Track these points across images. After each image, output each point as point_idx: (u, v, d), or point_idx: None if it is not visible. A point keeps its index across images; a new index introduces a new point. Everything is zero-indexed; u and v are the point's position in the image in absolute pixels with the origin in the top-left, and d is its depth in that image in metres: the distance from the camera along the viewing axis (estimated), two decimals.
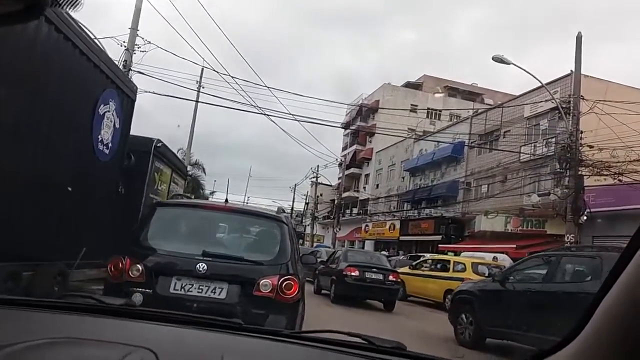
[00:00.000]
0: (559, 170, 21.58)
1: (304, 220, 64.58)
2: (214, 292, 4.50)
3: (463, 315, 9.47)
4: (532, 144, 27.34)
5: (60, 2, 0.95)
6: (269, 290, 4.50)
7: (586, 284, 7.41)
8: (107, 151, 7.98)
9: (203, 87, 28.62)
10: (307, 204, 61.28)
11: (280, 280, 4.54)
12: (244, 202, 64.81)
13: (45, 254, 6.25)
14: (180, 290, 4.47)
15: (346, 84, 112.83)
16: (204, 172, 43.69)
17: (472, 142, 32.94)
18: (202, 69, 25.86)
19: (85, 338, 1.28)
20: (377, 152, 48.97)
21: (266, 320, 4.35)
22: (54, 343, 1.19)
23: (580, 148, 17.62)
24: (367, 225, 44.94)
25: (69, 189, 6.81)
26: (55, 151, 6.48)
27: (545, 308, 7.64)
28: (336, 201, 46.77)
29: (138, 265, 4.46)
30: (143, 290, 4.37)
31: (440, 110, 51.80)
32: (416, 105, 52.17)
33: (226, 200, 5.56)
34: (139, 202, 9.86)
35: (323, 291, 15.89)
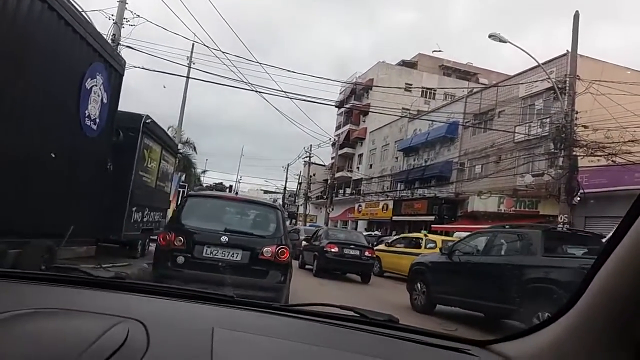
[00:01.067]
0: (553, 150, 21.55)
1: (296, 200, 64.59)
2: (233, 256, 6.35)
3: (417, 285, 10.39)
4: (527, 124, 27.19)
5: None
6: (269, 255, 6.39)
7: (514, 257, 8.44)
8: (94, 127, 7.74)
9: (194, 64, 27.95)
10: (300, 183, 61.20)
11: (277, 248, 6.44)
12: (236, 180, 64.54)
13: (32, 231, 6.10)
14: (210, 254, 6.31)
15: (341, 63, 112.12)
16: (195, 151, 43.47)
17: (466, 122, 32.79)
18: (193, 45, 25.38)
19: (72, 309, 1.23)
20: (371, 132, 48.73)
21: (267, 275, 6.37)
22: (38, 313, 1.15)
23: (575, 128, 17.50)
24: (360, 206, 44.92)
25: (53, 155, 6.60)
26: (40, 125, 6.27)
27: (482, 277, 8.61)
28: (329, 181, 46.60)
29: (180, 237, 6.28)
30: (184, 254, 6.22)
31: (434, 90, 51.58)
32: (411, 84, 51.85)
33: (236, 193, 9.97)
34: (128, 180, 9.66)
35: (307, 266, 17.20)
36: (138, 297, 1.52)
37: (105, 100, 8.03)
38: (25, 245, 5.93)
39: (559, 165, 18.79)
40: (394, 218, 37.71)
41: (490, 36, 17.01)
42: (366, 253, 15.74)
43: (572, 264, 7.17)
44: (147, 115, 10.24)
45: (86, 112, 7.44)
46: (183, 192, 25.60)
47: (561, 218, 17.01)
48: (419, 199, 35.38)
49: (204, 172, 67.18)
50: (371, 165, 47.02)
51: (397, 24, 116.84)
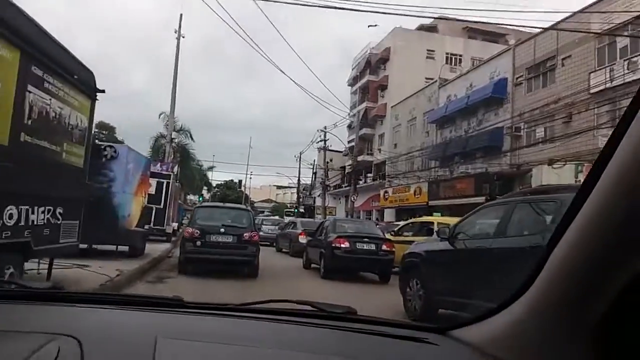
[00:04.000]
0: None
1: (312, 192, 58.42)
2: (227, 239, 11.83)
3: (411, 283, 8.24)
4: (608, 68, 20.84)
5: None
6: (247, 237, 11.93)
7: (539, 236, 5.80)
8: None
9: (183, 37, 27.73)
10: (314, 173, 54.85)
11: (251, 233, 12.14)
12: (245, 176, 58.43)
13: None
14: (214, 239, 11.76)
15: (348, 49, 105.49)
16: (192, 139, 38.75)
17: (518, 78, 26.36)
18: (181, 15, 21.05)
19: None
20: (392, 107, 42.15)
21: (247, 249, 11.82)
22: None
23: None
24: (386, 192, 38.49)
25: None
26: None
27: (498, 269, 5.94)
28: (351, 164, 40.01)
29: (197, 230, 11.89)
30: (200, 240, 11.70)
31: (460, 55, 45.12)
32: (433, 51, 45.41)
33: (225, 202, 20.84)
34: None
35: (313, 265, 15.33)
36: (75, 308, 1.43)
37: None
38: None
39: None
40: (431, 203, 31.24)
41: None
42: (384, 247, 13.54)
43: None
44: None
45: None
46: (168, 183, 19.72)
47: None
48: (462, 178, 28.93)
49: (210, 168, 61.74)
50: (396, 145, 40.35)
51: None
